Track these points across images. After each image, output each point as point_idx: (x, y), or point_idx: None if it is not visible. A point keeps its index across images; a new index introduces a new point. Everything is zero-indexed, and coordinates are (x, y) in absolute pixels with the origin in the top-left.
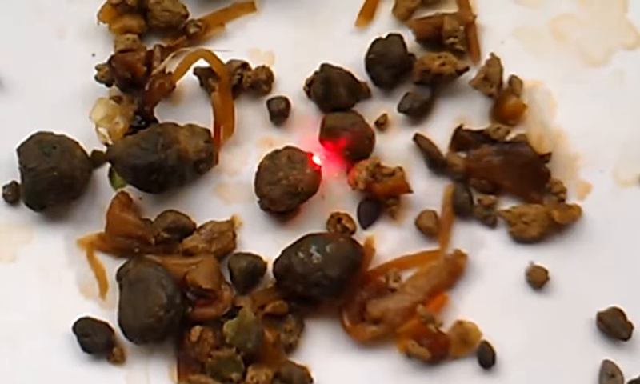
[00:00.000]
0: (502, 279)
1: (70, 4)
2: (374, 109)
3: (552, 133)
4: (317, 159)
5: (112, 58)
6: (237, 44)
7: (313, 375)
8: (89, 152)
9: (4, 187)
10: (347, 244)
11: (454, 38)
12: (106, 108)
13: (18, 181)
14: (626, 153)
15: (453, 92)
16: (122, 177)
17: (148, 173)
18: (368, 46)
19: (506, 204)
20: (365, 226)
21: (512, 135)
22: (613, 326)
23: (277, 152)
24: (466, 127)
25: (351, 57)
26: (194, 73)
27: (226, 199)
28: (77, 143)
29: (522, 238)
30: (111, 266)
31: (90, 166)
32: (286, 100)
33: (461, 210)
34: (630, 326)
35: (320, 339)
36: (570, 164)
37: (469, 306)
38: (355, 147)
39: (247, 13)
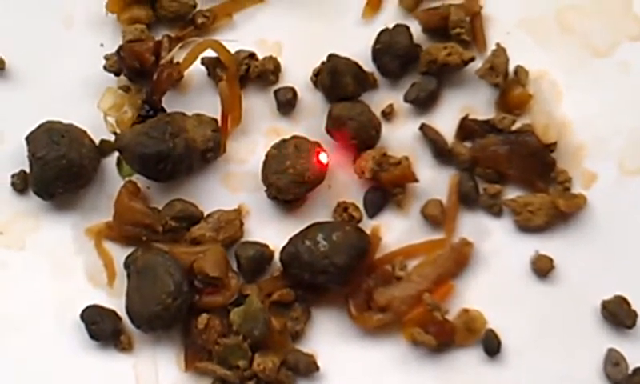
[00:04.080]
0: (507, 268)
1: None
2: (380, 99)
3: (557, 122)
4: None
5: (120, 47)
6: (244, 34)
7: (319, 363)
8: (97, 141)
9: (13, 176)
10: (354, 232)
11: (460, 29)
12: (114, 97)
13: (27, 169)
14: (631, 142)
15: (459, 82)
16: (130, 165)
17: (156, 162)
18: (375, 36)
19: (512, 193)
20: (371, 215)
21: (518, 125)
22: (617, 314)
23: (284, 141)
24: (471, 117)
25: (358, 47)
26: (202, 63)
27: (234, 188)
28: (85, 132)
29: (527, 226)
30: (119, 254)
31: (99, 154)
32: (293, 90)
33: (466, 199)
34: (635, 315)
35: (326, 327)
36: (575, 153)
37: (474, 295)
38: (362, 137)
39: (255, 3)
